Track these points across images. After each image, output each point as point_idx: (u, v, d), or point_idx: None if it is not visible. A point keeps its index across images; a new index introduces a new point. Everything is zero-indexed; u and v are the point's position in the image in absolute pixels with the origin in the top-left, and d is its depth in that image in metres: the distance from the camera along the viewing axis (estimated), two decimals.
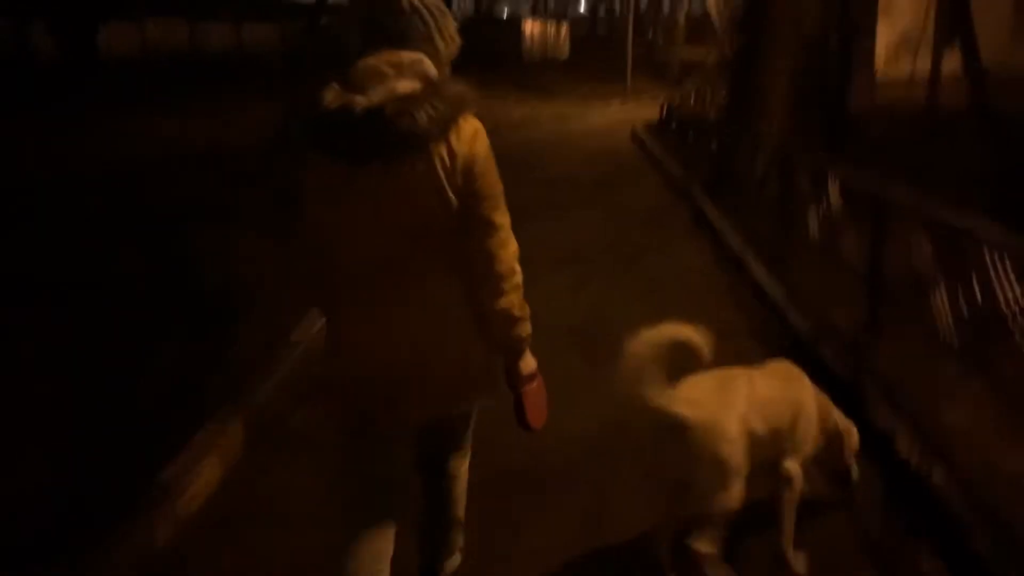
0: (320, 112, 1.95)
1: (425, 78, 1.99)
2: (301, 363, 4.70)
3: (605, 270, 7.13)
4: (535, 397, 2.23)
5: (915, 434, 3.50)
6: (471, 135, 2.01)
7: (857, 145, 9.46)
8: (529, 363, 2.20)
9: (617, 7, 55.36)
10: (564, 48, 40.68)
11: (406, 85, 1.95)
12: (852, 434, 3.10)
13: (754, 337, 5.19)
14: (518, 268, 2.11)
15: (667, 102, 18.31)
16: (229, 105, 13.90)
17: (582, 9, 59.85)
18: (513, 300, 2.09)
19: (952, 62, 13.01)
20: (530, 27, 38.32)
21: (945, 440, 3.39)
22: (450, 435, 2.40)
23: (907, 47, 19.75)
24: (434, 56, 2.06)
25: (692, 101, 20.15)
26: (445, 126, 1.95)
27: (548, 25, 40.39)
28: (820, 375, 3.38)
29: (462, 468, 2.49)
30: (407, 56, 2.00)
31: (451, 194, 1.98)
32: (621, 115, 23.78)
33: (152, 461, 3.40)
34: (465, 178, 1.99)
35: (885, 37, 17.99)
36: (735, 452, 2.59)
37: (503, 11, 52.20)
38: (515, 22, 39.12)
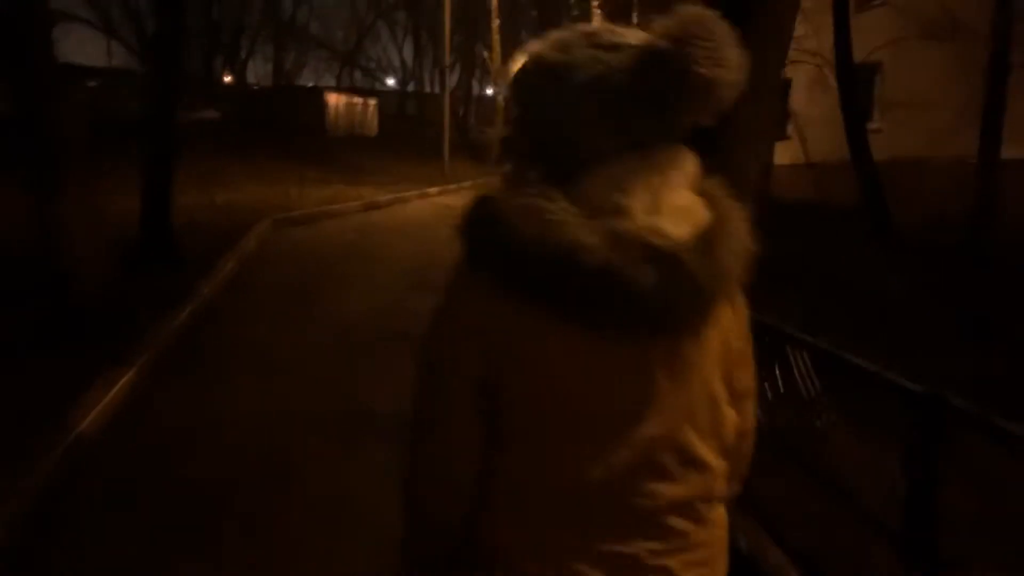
0: (582, 256, 1.14)
1: (695, 189, 1.26)
2: None
3: None
4: None
5: None
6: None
7: None
8: None
9: (427, 84, 53.47)
10: (372, 125, 37.45)
11: (699, 207, 1.23)
12: None
13: None
14: None
15: None
16: None
17: (390, 83, 57.18)
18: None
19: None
20: (335, 100, 34.84)
21: None
22: None
23: None
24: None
25: None
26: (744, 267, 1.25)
27: (354, 99, 37.06)
28: None
29: None
30: (684, 157, 1.25)
31: (733, 363, 1.34)
32: (443, 203, 20.40)
33: None
34: (743, 338, 1.36)
35: None
36: None
37: (305, 81, 48.59)
38: (318, 93, 35.52)
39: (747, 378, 1.39)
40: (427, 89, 53.38)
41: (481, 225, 1.22)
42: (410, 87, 52.58)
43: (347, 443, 4.79)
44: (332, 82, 48.82)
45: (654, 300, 1.16)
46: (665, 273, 1.15)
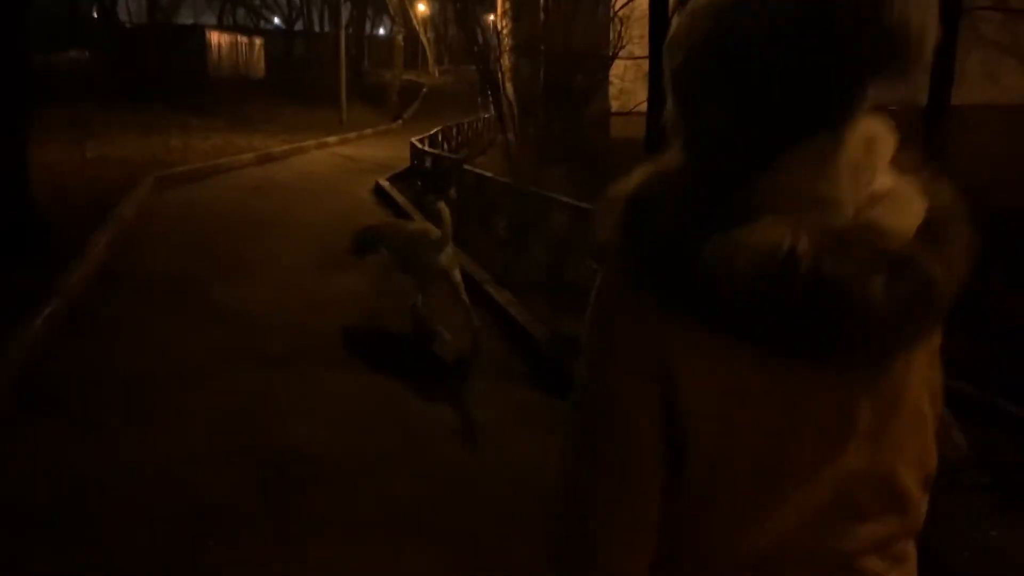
0: (791, 265, 0.89)
1: (893, 167, 1.00)
2: None
3: None
4: None
5: None
6: None
7: None
8: None
9: (316, 23, 50.63)
10: (259, 67, 35.01)
11: (912, 192, 0.99)
12: None
13: None
14: None
15: (420, 141, 13.67)
16: None
17: (276, 22, 53.93)
18: None
19: None
20: (217, 39, 32.24)
21: None
22: None
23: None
24: None
25: (442, 140, 16.00)
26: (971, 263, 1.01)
27: (239, 38, 34.47)
28: None
29: None
30: (885, 130, 0.99)
31: (937, 373, 1.11)
32: (345, 155, 18.89)
33: None
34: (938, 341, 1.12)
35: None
36: None
37: (184, 18, 45.04)
38: (199, 32, 32.76)
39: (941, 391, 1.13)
40: (316, 28, 50.65)
41: (649, 231, 0.96)
42: (297, 26, 49.62)
43: (272, 524, 3.55)
44: (213, 20, 45.59)
45: (882, 317, 0.90)
46: (898, 282, 0.91)
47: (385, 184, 12.75)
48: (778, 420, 0.99)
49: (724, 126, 0.94)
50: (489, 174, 9.39)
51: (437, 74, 47.97)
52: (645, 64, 18.07)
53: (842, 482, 1.02)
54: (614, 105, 19.08)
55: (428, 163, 12.47)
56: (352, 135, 22.77)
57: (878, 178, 0.96)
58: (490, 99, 24.19)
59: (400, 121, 28.65)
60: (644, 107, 18.20)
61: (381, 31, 59.86)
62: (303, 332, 6.07)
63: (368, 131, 24.30)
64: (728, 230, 0.90)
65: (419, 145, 13.41)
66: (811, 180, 0.92)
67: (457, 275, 5.75)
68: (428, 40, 47.05)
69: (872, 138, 0.96)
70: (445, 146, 16.13)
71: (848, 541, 1.04)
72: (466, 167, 10.31)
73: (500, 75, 18.10)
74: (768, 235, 0.88)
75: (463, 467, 4.07)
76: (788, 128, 0.92)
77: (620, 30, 15.92)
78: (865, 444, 1.01)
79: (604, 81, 17.80)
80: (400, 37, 34.24)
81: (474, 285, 6.56)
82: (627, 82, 18.69)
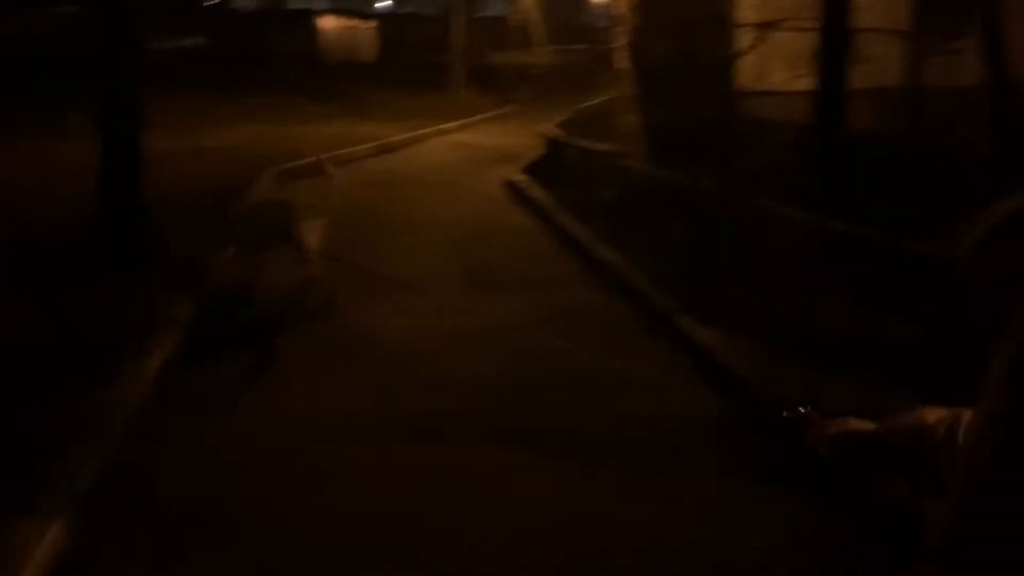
0: None
1: None
2: None
3: None
4: None
5: None
6: None
7: None
8: None
9: (424, 4, 49.87)
10: (371, 51, 34.34)
11: None
12: None
13: None
14: None
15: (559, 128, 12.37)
16: None
17: (383, 5, 53.40)
18: None
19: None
20: (329, 24, 31.71)
21: None
22: None
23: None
24: None
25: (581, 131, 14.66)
26: None
27: (351, 22, 33.90)
28: None
29: None
30: None
31: None
32: (464, 142, 17.80)
33: None
34: None
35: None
36: None
37: (295, 3, 45.03)
38: (309, 17, 32.34)
39: None
40: (424, 11, 49.88)
41: None
42: (405, 9, 48.93)
43: None
44: (326, 5, 45.43)
45: None
46: None
47: (521, 180, 11.45)
48: None
49: None
50: (690, 182, 7.97)
51: (545, 55, 46.64)
52: (782, 37, 16.44)
53: None
54: (748, 83, 17.41)
55: (575, 157, 10.98)
56: (469, 121, 21.70)
57: None
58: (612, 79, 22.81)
59: (514, 105, 27.47)
60: (783, 86, 16.58)
61: (487, 13, 58.83)
62: (485, 412, 4.69)
63: (482, 116, 23.21)
64: None
65: (560, 135, 11.95)
66: None
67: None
68: (535, 21, 45.75)
69: None
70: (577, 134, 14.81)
71: None
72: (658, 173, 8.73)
73: (629, 53, 16.69)
74: None
75: None
76: None
77: None
78: None
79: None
80: (517, 18, 33.01)
81: (656, 316, 5.22)
82: (758, 56, 16.98)
